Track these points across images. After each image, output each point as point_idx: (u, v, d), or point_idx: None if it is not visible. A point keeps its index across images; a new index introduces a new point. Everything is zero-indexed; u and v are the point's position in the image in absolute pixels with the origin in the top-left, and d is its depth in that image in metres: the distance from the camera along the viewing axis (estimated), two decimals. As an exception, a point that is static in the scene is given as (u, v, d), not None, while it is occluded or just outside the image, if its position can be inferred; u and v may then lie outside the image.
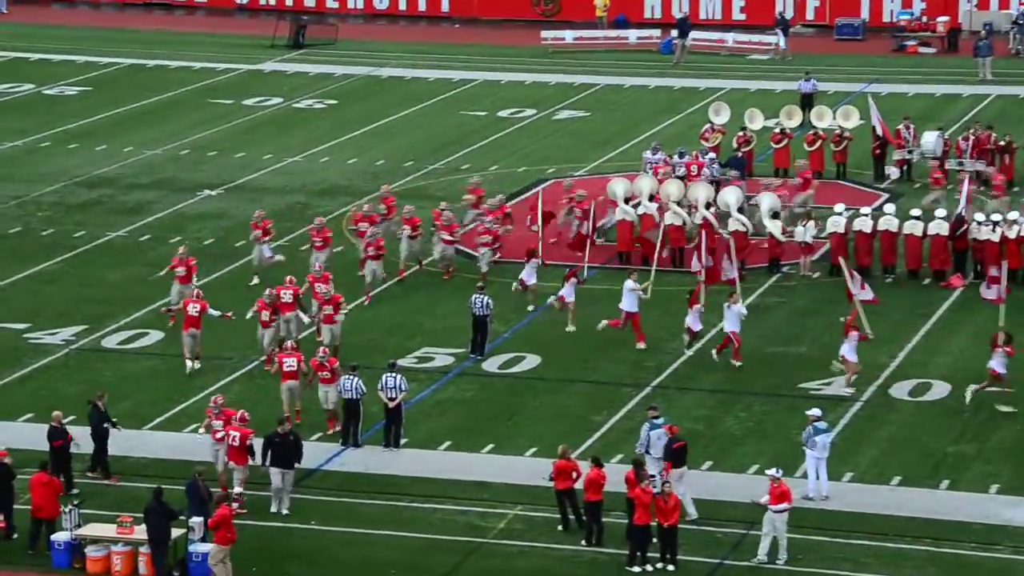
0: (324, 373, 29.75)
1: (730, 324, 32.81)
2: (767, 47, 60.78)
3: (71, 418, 28.75)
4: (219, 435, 27.55)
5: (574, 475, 26.47)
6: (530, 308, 35.53)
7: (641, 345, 33.55)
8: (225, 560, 24.86)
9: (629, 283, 33.74)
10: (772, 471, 25.85)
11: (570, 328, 34.47)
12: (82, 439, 27.92)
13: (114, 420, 28.30)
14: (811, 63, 56.29)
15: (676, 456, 26.83)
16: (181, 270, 34.91)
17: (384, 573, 25.49)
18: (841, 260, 35.32)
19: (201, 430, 28.70)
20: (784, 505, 25.47)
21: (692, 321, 33.32)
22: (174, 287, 34.79)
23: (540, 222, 38.21)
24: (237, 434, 27.32)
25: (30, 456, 27.29)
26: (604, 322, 33.69)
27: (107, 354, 33.66)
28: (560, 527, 26.57)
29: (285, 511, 27.09)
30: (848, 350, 31.46)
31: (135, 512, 25.90)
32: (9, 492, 26.13)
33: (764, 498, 25.60)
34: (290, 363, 30.13)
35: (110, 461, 28.22)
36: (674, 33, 60.84)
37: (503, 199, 40.08)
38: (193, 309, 32.60)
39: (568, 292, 34.58)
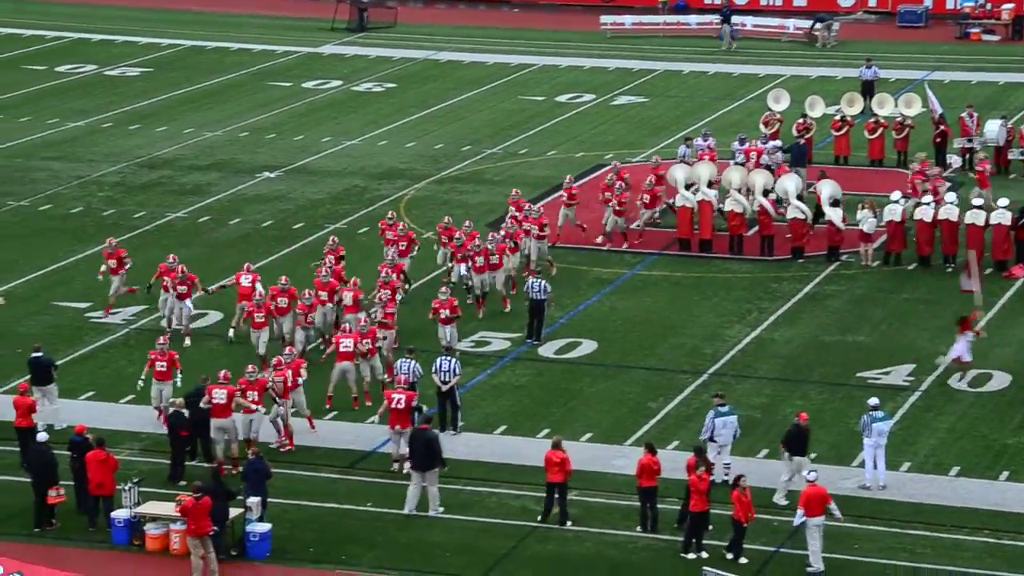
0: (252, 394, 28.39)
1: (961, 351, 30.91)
2: (824, 34, 60.47)
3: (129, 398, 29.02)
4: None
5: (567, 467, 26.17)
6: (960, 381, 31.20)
7: None
8: (204, 553, 24.53)
9: None
10: (808, 474, 25.40)
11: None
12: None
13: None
14: (873, 50, 55.85)
15: (795, 443, 26.60)
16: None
17: (439, 555, 25.55)
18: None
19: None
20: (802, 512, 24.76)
21: (962, 350, 30.68)
22: None
23: (976, 281, 32.37)
24: (403, 397, 27.51)
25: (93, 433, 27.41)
26: None
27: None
28: (540, 517, 26.37)
29: (440, 509, 26.60)
30: None
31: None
32: (84, 466, 26.40)
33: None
34: (346, 344, 30.23)
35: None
36: (717, 19, 60.55)
37: (540, 210, 37.93)
38: (246, 280, 33.36)
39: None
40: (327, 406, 30.16)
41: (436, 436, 27.09)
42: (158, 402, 29.37)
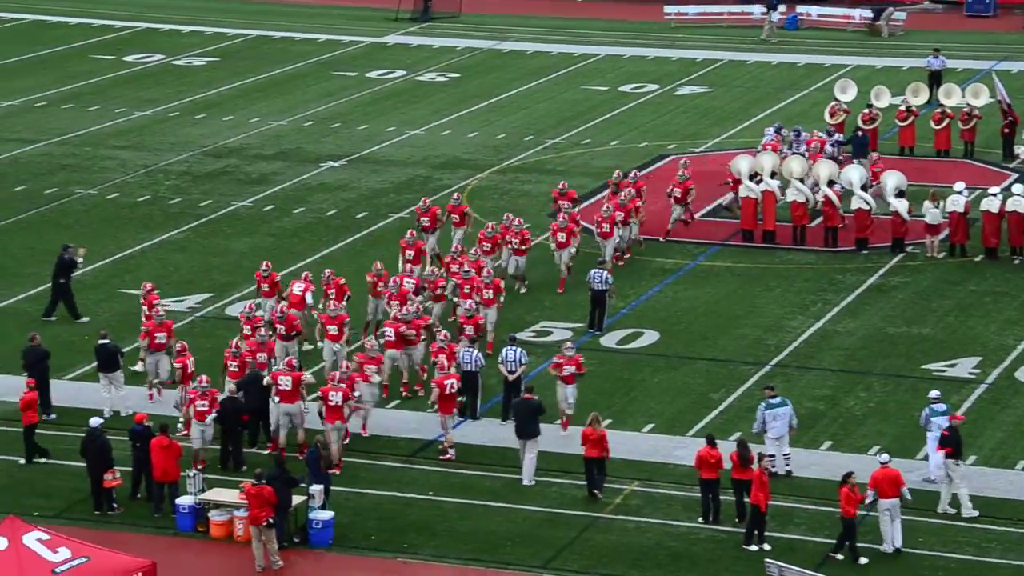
0: (202, 403, 27.44)
1: None
2: (895, 24, 60.05)
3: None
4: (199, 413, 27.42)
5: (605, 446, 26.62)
6: None
7: None
8: (265, 540, 24.67)
9: None
10: (880, 455, 25.40)
11: None
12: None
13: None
14: (940, 40, 55.32)
15: (950, 443, 26.17)
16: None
17: (500, 545, 25.60)
18: None
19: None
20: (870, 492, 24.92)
21: None
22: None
23: None
24: (453, 381, 27.80)
25: (154, 420, 27.66)
26: None
27: (231, 322, 34.09)
28: (595, 492, 26.67)
29: (527, 482, 27.07)
30: None
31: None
32: (147, 454, 26.67)
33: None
34: (390, 332, 30.35)
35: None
36: (761, 9, 60.10)
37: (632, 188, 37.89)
38: (297, 288, 32.22)
39: None
40: (383, 395, 30.26)
41: (541, 404, 27.45)
42: (199, 444, 27.69)
